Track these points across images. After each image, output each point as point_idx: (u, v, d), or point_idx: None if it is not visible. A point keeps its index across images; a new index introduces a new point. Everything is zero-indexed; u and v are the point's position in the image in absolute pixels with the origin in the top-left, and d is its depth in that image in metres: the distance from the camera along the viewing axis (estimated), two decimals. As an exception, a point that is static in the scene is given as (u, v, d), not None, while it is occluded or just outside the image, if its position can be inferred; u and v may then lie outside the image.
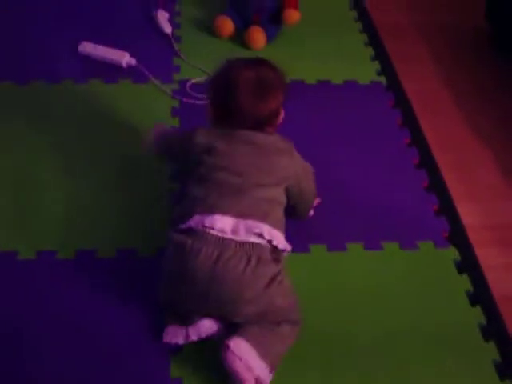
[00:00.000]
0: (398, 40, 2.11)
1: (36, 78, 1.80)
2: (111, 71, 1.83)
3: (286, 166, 1.25)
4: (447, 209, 1.53)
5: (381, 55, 2.00)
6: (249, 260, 1.11)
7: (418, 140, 1.71)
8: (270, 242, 1.16)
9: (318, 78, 1.87)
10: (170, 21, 2.02)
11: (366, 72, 1.91)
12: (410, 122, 1.76)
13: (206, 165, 1.21)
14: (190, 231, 1.14)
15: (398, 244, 1.43)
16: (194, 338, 1.17)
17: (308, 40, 2.02)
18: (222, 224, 1.13)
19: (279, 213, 1.22)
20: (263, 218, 1.16)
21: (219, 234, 1.12)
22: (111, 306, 1.27)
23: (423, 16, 2.25)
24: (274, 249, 1.17)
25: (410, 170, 1.62)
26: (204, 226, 1.13)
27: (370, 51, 2.01)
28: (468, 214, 1.54)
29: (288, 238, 1.24)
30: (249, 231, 1.13)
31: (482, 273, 1.40)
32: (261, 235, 1.14)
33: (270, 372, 1.13)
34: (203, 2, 2.14)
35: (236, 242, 1.12)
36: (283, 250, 1.20)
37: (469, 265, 1.42)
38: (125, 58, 1.82)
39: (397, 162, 1.64)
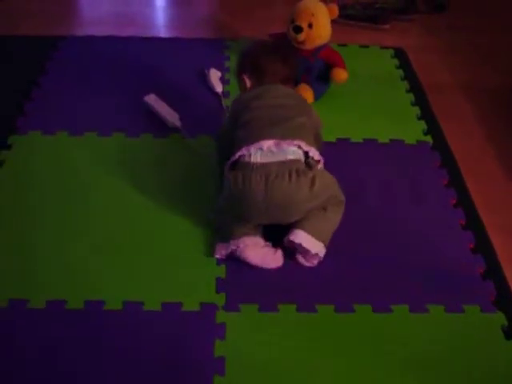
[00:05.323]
0: (444, 99, 2.12)
1: (89, 130, 1.86)
2: (163, 126, 1.88)
3: (303, 105, 1.59)
4: (494, 272, 1.51)
5: (427, 115, 2.01)
6: (290, 174, 1.39)
7: (465, 201, 1.70)
8: (306, 153, 1.45)
9: (364, 137, 1.89)
10: (221, 79, 2.08)
11: (413, 131, 1.93)
12: (457, 182, 1.76)
13: (246, 115, 1.51)
14: (239, 164, 1.44)
15: (443, 307, 1.41)
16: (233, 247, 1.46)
17: (354, 99, 2.05)
18: (268, 144, 1.42)
19: (311, 136, 1.51)
20: (300, 138, 1.45)
21: (261, 161, 1.41)
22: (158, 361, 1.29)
23: (468, 76, 2.26)
24: (307, 160, 1.45)
25: (456, 231, 1.61)
26: (250, 156, 1.43)
27: (417, 110, 2.02)
28: (516, 279, 1.52)
29: (331, 297, 1.39)
30: (289, 145, 1.43)
31: (530, 340, 1.38)
32: (299, 147, 1.44)
33: (324, 246, 1.47)
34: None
35: (275, 163, 1.41)
36: (318, 161, 1.48)
37: (517, 331, 1.39)
38: (172, 119, 1.87)
39: (442, 223, 1.63)
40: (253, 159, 1.42)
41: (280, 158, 1.42)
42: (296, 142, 1.44)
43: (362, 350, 1.33)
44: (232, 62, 2.17)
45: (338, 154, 1.81)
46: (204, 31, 2.43)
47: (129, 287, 1.42)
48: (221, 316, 1.37)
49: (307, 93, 1.94)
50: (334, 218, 1.50)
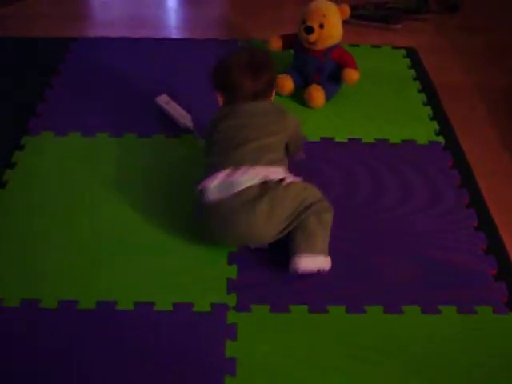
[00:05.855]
0: (457, 99, 2.11)
1: (101, 131, 1.87)
2: (175, 127, 1.89)
3: (276, 121, 1.52)
4: (507, 273, 1.50)
5: (439, 115, 2.00)
6: (243, 206, 1.39)
7: (477, 201, 1.69)
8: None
9: (376, 137, 1.88)
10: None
11: (425, 132, 1.92)
12: (469, 182, 1.75)
13: (214, 136, 1.51)
14: (203, 197, 1.44)
15: (455, 308, 1.41)
16: None
17: (366, 99, 2.04)
18: (221, 176, 1.42)
19: (273, 155, 1.47)
20: (255, 162, 1.43)
21: (217, 197, 1.41)
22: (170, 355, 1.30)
23: (481, 76, 2.25)
24: (264, 184, 1.42)
25: (468, 232, 1.60)
26: (208, 192, 1.42)
27: (429, 111, 2.01)
28: (528, 280, 1.50)
29: (343, 298, 1.41)
30: (244, 174, 1.41)
31: (543, 341, 1.37)
32: (256, 174, 1.41)
33: (326, 256, 1.44)
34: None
35: (229, 198, 1.40)
36: (282, 179, 1.44)
37: (529, 332, 1.38)
38: (184, 120, 1.87)
39: (455, 224, 1.62)
40: (210, 196, 1.42)
41: (234, 189, 1.40)
42: (252, 171, 1.42)
43: (374, 350, 1.33)
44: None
45: (349, 155, 1.81)
46: (216, 32, 2.43)
47: (140, 287, 1.43)
48: (232, 316, 1.37)
49: (318, 93, 1.94)
50: (320, 231, 1.44)
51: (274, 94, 1.62)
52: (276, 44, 2.05)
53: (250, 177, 1.41)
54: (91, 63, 2.19)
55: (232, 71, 1.52)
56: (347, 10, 1.94)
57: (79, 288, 1.42)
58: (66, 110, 1.96)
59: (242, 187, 1.40)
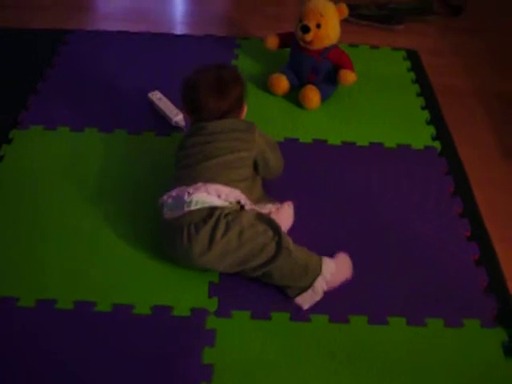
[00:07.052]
0: (456, 104, 2.06)
1: (90, 126, 1.83)
2: (166, 124, 1.86)
3: (241, 138, 1.47)
4: (497, 286, 1.47)
5: (437, 119, 1.96)
6: (187, 228, 1.35)
7: (471, 211, 1.65)
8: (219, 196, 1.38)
9: (371, 141, 1.84)
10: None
11: (421, 136, 1.88)
12: (463, 190, 1.71)
13: (178, 152, 1.51)
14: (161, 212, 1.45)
15: (442, 321, 1.37)
16: None
17: (362, 101, 2.00)
18: (171, 195, 1.41)
19: (233, 173, 1.43)
20: (210, 179, 1.40)
21: (166, 217, 1.41)
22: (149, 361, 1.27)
23: (482, 81, 2.20)
24: (214, 208, 1.37)
25: (459, 242, 1.56)
26: (162, 208, 1.43)
27: (426, 115, 1.97)
28: (519, 294, 1.47)
29: (326, 307, 1.37)
30: (195, 192, 1.37)
31: (531, 358, 1.33)
32: (208, 193, 1.38)
33: (312, 284, 1.37)
34: (260, 59, 2.16)
35: (176, 218, 1.38)
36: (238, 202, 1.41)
37: (517, 348, 1.34)
38: (176, 117, 1.84)
39: (446, 233, 1.58)
40: (164, 214, 1.42)
41: (184, 208, 1.37)
42: (203, 188, 1.38)
43: (355, 360, 1.30)
44: (240, 61, 2.14)
45: (342, 158, 1.77)
46: (215, 28, 2.39)
47: (119, 289, 1.40)
48: (211, 322, 1.34)
49: (313, 94, 1.90)
50: (287, 278, 1.38)
51: (244, 109, 1.57)
52: (272, 42, 2.02)
53: (200, 195, 1.37)
54: (86, 56, 2.16)
55: (197, 92, 1.48)
56: (345, 9, 1.89)
57: (57, 287, 1.40)
58: (56, 103, 1.93)
59: (191, 208, 1.36)
